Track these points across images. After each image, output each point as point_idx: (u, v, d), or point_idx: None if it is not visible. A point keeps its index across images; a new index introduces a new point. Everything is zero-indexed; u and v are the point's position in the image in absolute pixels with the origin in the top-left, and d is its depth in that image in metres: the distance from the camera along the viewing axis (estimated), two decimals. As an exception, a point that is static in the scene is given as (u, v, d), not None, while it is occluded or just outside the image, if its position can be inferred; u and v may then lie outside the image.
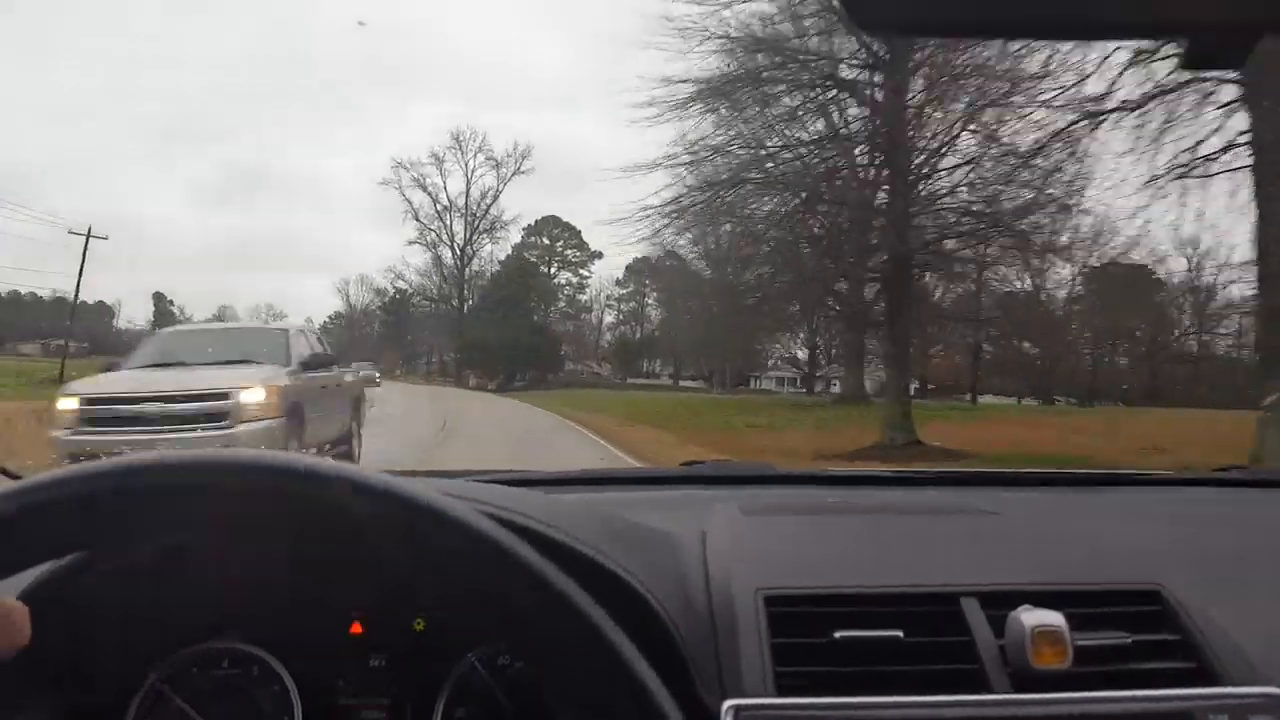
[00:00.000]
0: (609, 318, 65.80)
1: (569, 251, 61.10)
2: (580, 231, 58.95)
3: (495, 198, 58.25)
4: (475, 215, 58.86)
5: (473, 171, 58.33)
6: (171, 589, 0.76)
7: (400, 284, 61.35)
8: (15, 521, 0.49)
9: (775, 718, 0.67)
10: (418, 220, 58.18)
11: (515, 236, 59.84)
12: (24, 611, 0.52)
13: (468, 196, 58.55)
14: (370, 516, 0.51)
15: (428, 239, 58.79)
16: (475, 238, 59.55)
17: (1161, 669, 0.74)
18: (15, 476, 1.22)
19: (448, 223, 58.78)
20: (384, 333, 65.67)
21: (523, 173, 58.00)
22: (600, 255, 57.89)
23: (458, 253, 59.42)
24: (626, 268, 58.51)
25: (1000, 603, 0.76)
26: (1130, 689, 0.70)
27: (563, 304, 61.70)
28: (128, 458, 0.51)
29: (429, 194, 57.88)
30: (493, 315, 50.29)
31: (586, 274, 62.16)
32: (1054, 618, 0.72)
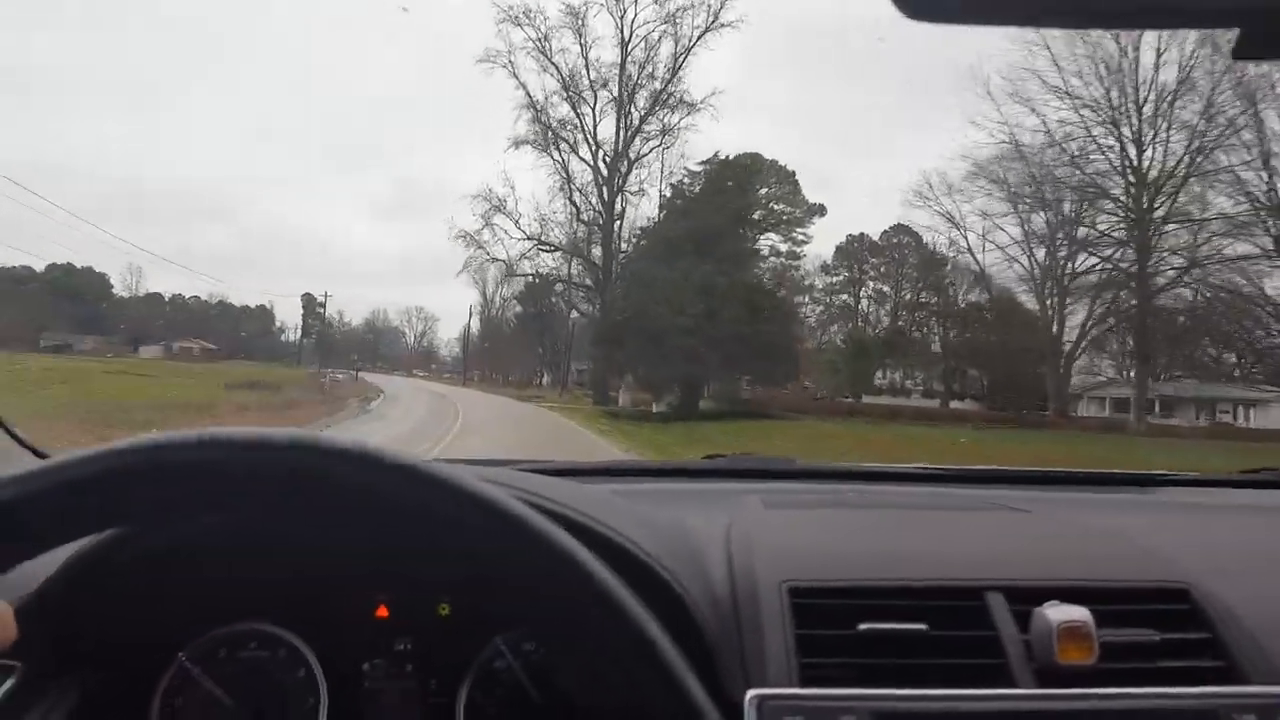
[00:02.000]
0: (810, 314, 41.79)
1: (779, 205, 34.62)
2: (794, 174, 34.33)
3: (676, 68, 31.81)
4: (640, 95, 32.26)
5: (632, 23, 32.07)
6: (200, 570, 0.78)
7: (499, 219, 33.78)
8: (46, 498, 0.49)
9: (798, 708, 0.67)
10: (537, 119, 32.50)
11: (704, 143, 38.92)
12: (9, 611, 0.53)
13: (623, 70, 32.18)
14: (408, 500, 0.51)
15: (550, 143, 32.52)
16: (635, 139, 32.89)
17: (1189, 667, 0.73)
18: (43, 455, 1.23)
19: (589, 109, 32.45)
20: (520, 333, 56.92)
21: (724, 27, 31.28)
22: (823, 211, 35.01)
23: (605, 168, 32.74)
24: (837, 248, 40.15)
25: (1026, 598, 0.76)
26: (1157, 686, 0.69)
27: (768, 279, 32.21)
28: (159, 435, 0.51)
29: (555, 68, 31.88)
30: (666, 272, 25.26)
31: (804, 237, 35.60)
32: (1080, 613, 0.72)
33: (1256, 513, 1.30)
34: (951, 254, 34.26)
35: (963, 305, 35.87)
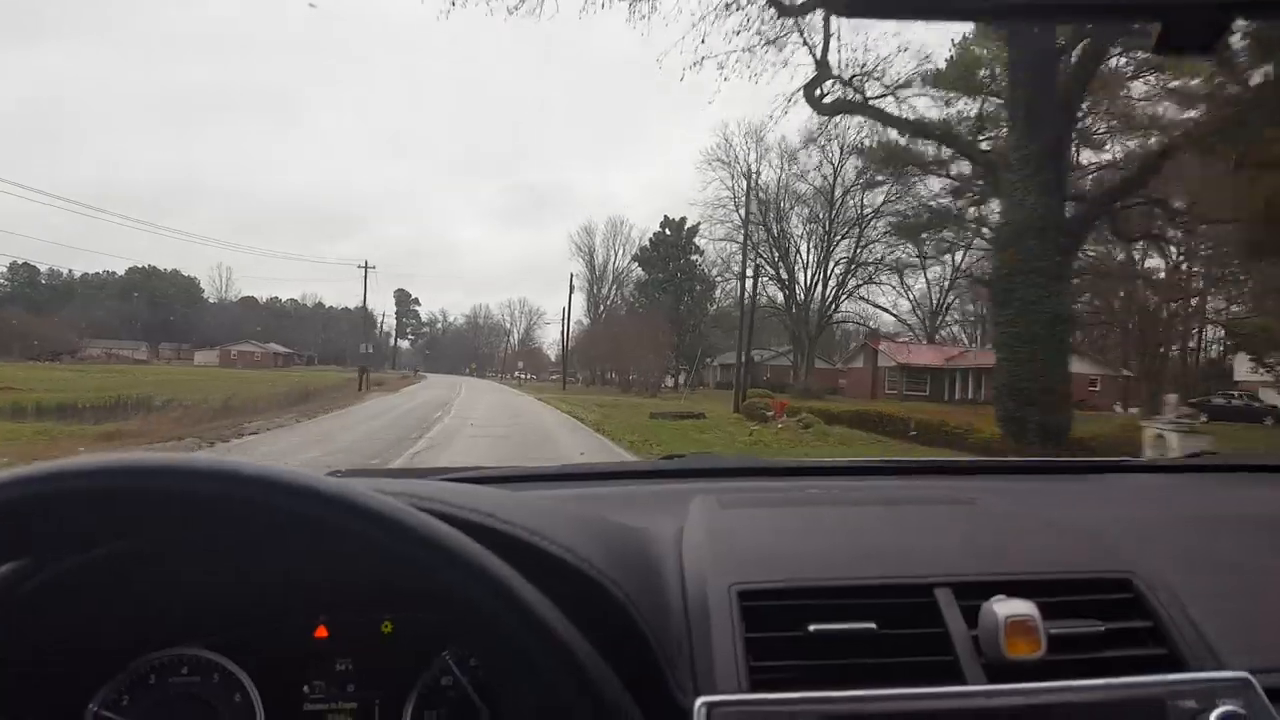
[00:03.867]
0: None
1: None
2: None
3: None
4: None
5: None
6: (124, 596, 0.74)
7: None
8: None
9: (748, 714, 0.66)
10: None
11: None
12: None
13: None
14: (302, 518, 0.51)
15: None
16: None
17: (1133, 656, 0.75)
18: None
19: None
20: (642, 318, 46.10)
21: None
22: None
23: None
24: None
25: (974, 593, 0.77)
26: (1103, 677, 0.70)
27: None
28: (69, 461, 0.50)
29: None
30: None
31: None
32: (1026, 607, 0.73)
33: (1198, 497, 1.32)
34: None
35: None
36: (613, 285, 65.04)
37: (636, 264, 57.61)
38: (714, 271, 49.62)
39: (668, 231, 53.90)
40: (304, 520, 0.50)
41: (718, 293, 50.84)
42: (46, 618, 0.69)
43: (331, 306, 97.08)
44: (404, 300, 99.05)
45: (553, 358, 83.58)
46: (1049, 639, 0.72)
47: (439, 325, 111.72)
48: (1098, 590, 0.80)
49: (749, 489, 1.31)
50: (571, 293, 60.55)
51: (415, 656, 0.82)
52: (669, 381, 47.43)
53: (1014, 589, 0.76)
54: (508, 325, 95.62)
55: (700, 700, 0.66)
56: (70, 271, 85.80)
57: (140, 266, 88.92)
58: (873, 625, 0.74)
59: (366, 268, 43.94)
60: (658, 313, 46.77)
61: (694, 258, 51.34)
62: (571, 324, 58.05)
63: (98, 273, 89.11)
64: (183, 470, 0.50)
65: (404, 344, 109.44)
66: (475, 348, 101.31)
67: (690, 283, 51.64)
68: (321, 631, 0.83)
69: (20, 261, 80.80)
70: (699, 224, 48.33)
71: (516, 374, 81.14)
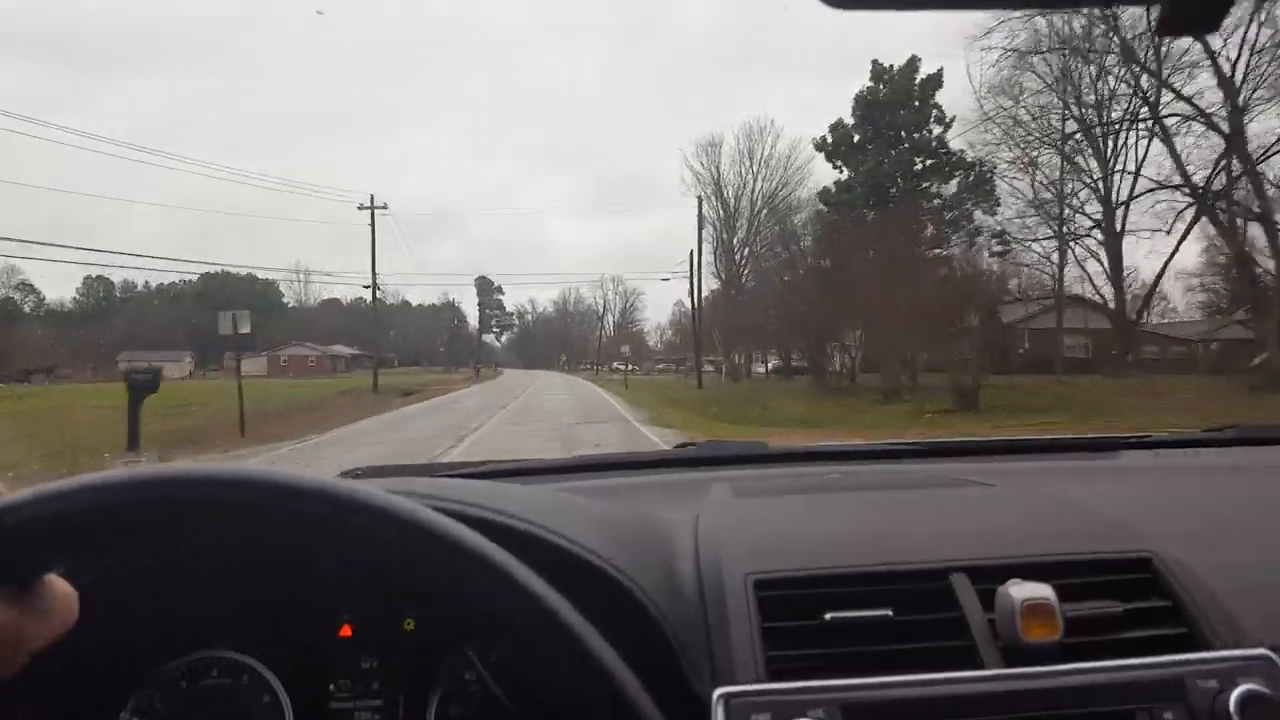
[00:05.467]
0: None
1: None
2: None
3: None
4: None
5: None
6: (153, 602, 0.76)
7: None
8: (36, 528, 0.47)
9: (766, 703, 0.66)
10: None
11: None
12: (73, 595, 0.52)
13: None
14: (319, 521, 0.50)
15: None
16: None
17: (1153, 636, 0.74)
18: None
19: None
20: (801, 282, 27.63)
21: None
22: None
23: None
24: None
25: (990, 577, 0.76)
26: (1122, 658, 0.70)
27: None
28: (98, 475, 0.50)
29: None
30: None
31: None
32: (1043, 590, 0.72)
33: (1219, 473, 1.30)
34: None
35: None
36: (756, 219, 40.77)
37: (791, 188, 35.96)
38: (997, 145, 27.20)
39: (881, 87, 31.32)
40: (325, 523, 0.50)
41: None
42: (77, 625, 0.68)
43: (419, 304, 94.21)
44: (486, 288, 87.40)
45: (654, 344, 70.15)
46: (1067, 621, 0.71)
47: (528, 316, 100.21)
48: (1116, 571, 0.79)
49: (763, 476, 1.32)
50: (702, 226, 36.85)
51: (438, 653, 0.83)
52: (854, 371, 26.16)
53: (1030, 572, 0.75)
54: (600, 309, 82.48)
55: (718, 690, 0.66)
56: (147, 283, 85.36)
57: (214, 273, 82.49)
58: (889, 612, 0.74)
59: (373, 206, 33.68)
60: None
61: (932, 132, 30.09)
62: (697, 288, 36.64)
63: (174, 282, 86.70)
64: (203, 480, 0.50)
65: (489, 339, 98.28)
66: (567, 338, 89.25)
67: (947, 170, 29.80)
68: (346, 631, 0.85)
69: (95, 275, 78.61)
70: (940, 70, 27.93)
71: (616, 365, 67.26)
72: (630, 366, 58.06)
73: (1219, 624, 0.74)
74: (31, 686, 0.67)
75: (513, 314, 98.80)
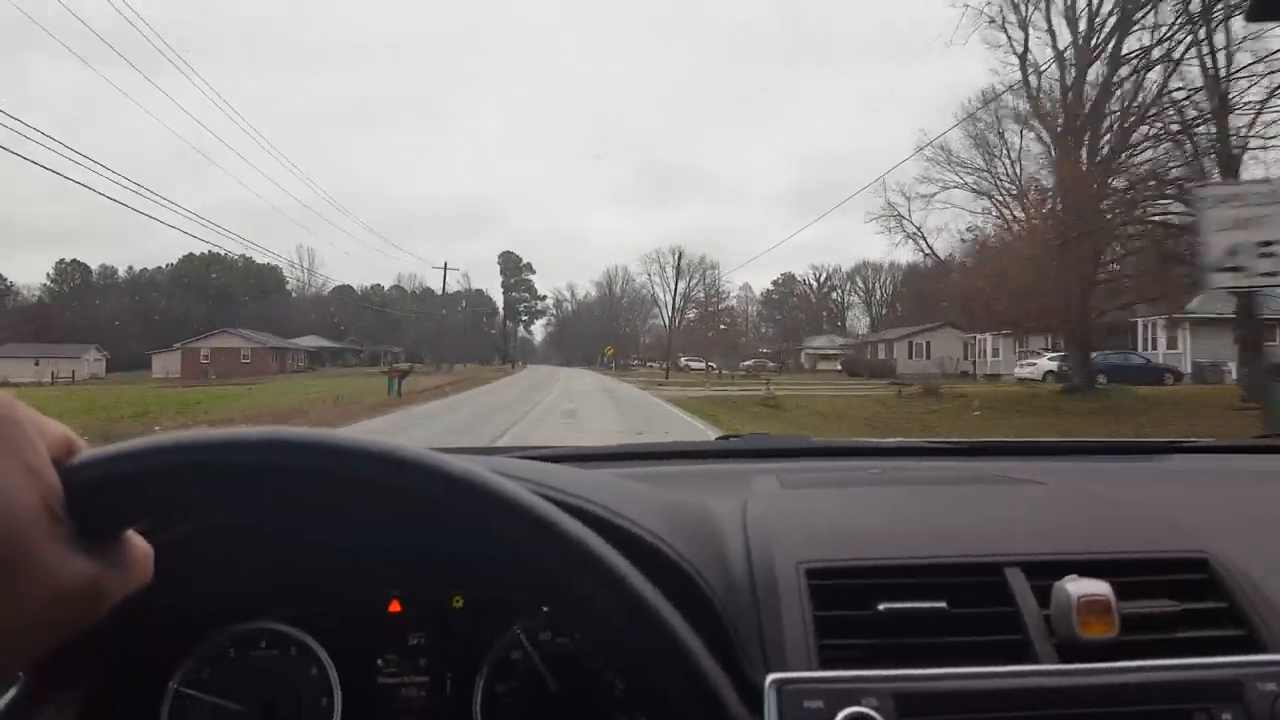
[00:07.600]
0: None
1: None
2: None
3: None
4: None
5: None
6: (215, 568, 0.76)
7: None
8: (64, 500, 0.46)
9: (818, 690, 0.66)
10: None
11: None
12: (150, 553, 0.52)
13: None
14: (420, 495, 0.50)
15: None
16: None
17: (1209, 637, 0.73)
18: None
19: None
20: None
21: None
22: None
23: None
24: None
25: (1045, 573, 0.76)
26: (1178, 657, 0.69)
27: None
28: (164, 436, 0.49)
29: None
30: None
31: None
32: (1100, 587, 0.72)
33: (1271, 478, 1.29)
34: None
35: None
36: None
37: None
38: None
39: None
40: (419, 497, 0.49)
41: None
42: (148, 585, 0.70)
43: (456, 292, 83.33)
44: (511, 266, 74.13)
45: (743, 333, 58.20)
46: (1122, 619, 0.71)
47: (566, 305, 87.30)
48: (1173, 570, 0.79)
49: (809, 469, 1.31)
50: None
51: (486, 630, 0.84)
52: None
53: (1086, 569, 0.75)
54: (655, 289, 69.67)
55: (771, 676, 0.66)
56: (130, 267, 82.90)
57: (198, 254, 71.67)
58: (942, 604, 0.74)
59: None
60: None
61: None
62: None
63: (159, 266, 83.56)
64: (301, 444, 0.48)
65: (523, 332, 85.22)
66: (613, 328, 75.32)
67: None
68: (395, 606, 0.86)
69: (68, 260, 77.41)
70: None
71: (686, 364, 54.64)
72: (709, 365, 46.25)
73: (1277, 627, 0.73)
74: (98, 644, 0.67)
75: (547, 298, 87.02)
